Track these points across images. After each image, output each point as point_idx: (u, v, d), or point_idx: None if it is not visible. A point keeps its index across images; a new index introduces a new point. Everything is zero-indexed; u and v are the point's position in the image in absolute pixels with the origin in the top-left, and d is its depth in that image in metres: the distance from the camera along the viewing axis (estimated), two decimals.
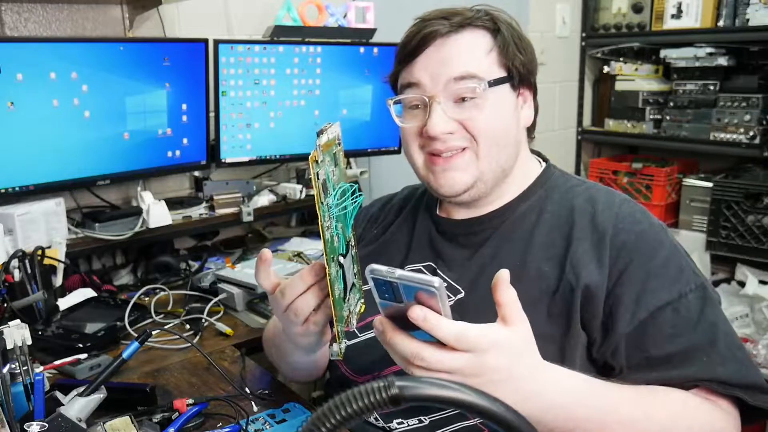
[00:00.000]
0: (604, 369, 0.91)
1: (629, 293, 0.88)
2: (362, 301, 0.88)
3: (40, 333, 1.30)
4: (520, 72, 0.97)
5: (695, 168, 2.88)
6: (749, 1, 2.40)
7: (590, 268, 0.90)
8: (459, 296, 0.97)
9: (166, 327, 1.39)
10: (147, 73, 1.68)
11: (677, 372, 0.85)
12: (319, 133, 0.72)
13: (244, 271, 1.62)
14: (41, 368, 1.03)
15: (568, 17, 2.94)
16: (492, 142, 0.95)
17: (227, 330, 1.42)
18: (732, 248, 2.49)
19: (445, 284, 0.69)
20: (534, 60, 1.01)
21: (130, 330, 1.40)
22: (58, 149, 1.57)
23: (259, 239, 2.10)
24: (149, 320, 1.49)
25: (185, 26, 1.91)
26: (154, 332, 1.14)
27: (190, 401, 1.04)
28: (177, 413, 1.01)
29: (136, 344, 1.02)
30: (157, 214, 1.71)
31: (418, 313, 0.65)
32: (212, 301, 1.55)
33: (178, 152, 1.80)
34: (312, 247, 1.95)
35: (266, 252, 0.84)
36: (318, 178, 0.70)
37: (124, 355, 1.01)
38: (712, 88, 2.60)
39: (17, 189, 1.52)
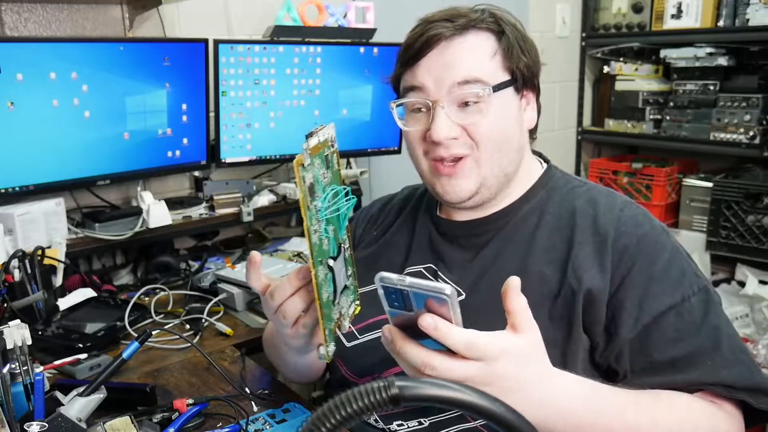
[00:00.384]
0: (607, 373, 0.91)
1: (632, 298, 0.88)
2: (357, 303, 0.87)
3: (40, 333, 1.30)
4: (523, 74, 0.96)
5: (695, 168, 2.88)
6: (749, 1, 2.40)
7: (592, 272, 0.90)
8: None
9: (166, 327, 1.39)
10: (147, 73, 1.68)
11: (681, 376, 0.85)
12: (308, 137, 0.71)
13: (244, 271, 1.61)
14: (41, 368, 1.02)
15: (568, 17, 2.94)
16: (494, 148, 0.94)
17: (227, 330, 1.42)
18: (732, 248, 2.49)
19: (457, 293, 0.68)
20: (537, 61, 1.00)
21: (130, 330, 1.40)
22: (58, 149, 1.57)
23: (259, 239, 2.10)
24: (149, 320, 1.49)
25: (185, 26, 1.91)
26: (154, 332, 1.14)
27: (190, 401, 1.04)
28: (177, 413, 1.01)
29: (136, 344, 1.02)
30: (157, 214, 1.71)
31: (429, 322, 0.63)
32: (212, 301, 1.55)
33: (178, 152, 1.80)
34: None
35: (255, 254, 0.84)
36: (304, 182, 0.69)
37: (124, 355, 1.01)
38: (712, 88, 2.59)
39: (17, 189, 1.52)
